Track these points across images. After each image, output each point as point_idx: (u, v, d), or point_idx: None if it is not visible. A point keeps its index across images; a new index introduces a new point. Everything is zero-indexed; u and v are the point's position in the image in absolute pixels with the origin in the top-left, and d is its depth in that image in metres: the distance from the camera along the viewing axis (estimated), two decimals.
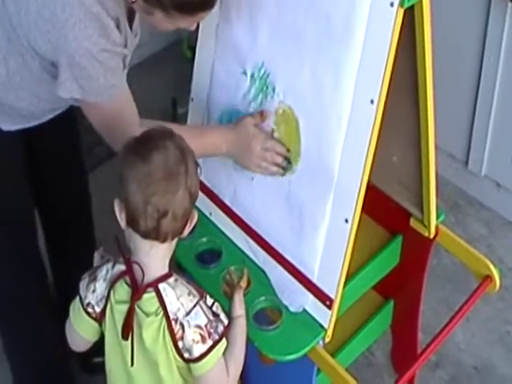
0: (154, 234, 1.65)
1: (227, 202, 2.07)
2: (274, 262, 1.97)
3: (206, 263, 2.02)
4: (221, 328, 1.72)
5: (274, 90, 1.90)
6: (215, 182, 2.09)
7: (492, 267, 2.09)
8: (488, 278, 2.11)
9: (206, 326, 1.69)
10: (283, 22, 1.85)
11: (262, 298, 1.94)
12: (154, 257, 1.69)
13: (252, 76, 1.95)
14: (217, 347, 1.71)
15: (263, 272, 2.00)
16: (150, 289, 1.68)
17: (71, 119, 2.21)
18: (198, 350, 1.69)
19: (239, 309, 1.86)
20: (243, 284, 1.92)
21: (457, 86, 2.98)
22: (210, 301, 1.74)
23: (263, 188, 1.97)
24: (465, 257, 2.14)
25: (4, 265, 2.20)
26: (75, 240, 2.46)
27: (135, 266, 1.69)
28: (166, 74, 3.66)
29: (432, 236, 2.12)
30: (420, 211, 2.08)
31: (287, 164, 1.91)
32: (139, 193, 1.61)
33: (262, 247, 1.99)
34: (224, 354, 1.74)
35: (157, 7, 1.72)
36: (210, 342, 1.70)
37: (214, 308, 1.74)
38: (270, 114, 1.92)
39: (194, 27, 1.85)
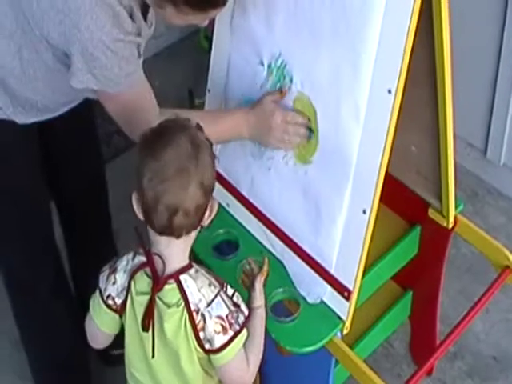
0: (168, 231, 1.65)
1: (244, 193, 2.07)
2: (291, 253, 1.96)
3: (223, 254, 2.02)
4: (241, 318, 1.72)
5: (291, 79, 1.89)
6: (232, 173, 2.09)
7: (511, 257, 2.08)
8: (507, 268, 2.09)
9: (227, 316, 1.69)
10: (300, 11, 1.84)
11: (280, 290, 1.94)
12: (174, 250, 1.69)
13: (269, 66, 1.94)
14: (238, 338, 1.70)
15: (281, 263, 2.00)
16: (170, 280, 1.68)
17: (86, 108, 2.19)
18: (219, 340, 1.69)
19: (260, 299, 1.84)
20: (264, 273, 1.90)
21: (475, 74, 2.96)
22: (230, 291, 1.74)
23: (280, 179, 1.96)
24: (484, 247, 2.13)
25: (19, 258, 2.20)
26: (93, 230, 2.45)
27: (156, 258, 1.69)
28: (182, 65, 3.65)
29: (450, 226, 2.11)
30: (438, 201, 2.07)
31: (310, 133, 1.89)
32: (150, 189, 1.61)
33: (280, 238, 1.99)
34: (244, 344, 1.74)
35: (168, 2, 1.72)
36: (231, 333, 1.69)
37: (235, 298, 1.73)
38: (288, 104, 1.91)
39: (205, 24, 1.83)
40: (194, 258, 2.03)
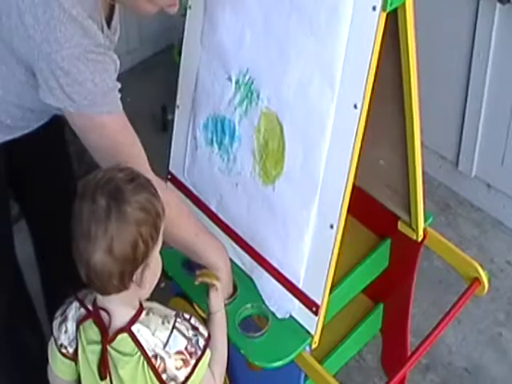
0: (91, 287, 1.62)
1: (213, 208, 2.07)
2: (260, 269, 1.96)
3: (192, 270, 2.01)
4: (202, 341, 1.68)
5: (258, 96, 1.89)
6: (201, 189, 2.08)
7: (480, 270, 2.09)
8: (477, 280, 2.10)
9: (186, 348, 1.66)
10: (268, 27, 1.84)
11: (249, 305, 1.94)
12: (120, 303, 1.65)
13: (237, 82, 1.94)
14: (200, 363, 1.67)
15: (250, 278, 1.99)
16: (122, 332, 1.64)
17: (57, 124, 2.14)
18: (183, 374, 1.66)
19: (215, 305, 1.83)
20: (217, 283, 1.86)
21: (446, 86, 2.98)
22: (187, 315, 1.71)
23: (248, 194, 1.96)
24: (453, 259, 2.14)
25: None
26: (63, 248, 2.42)
27: (102, 312, 1.66)
28: (156, 80, 3.65)
29: (420, 239, 2.11)
30: (408, 215, 2.08)
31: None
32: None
33: (249, 254, 1.99)
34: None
35: None
36: (192, 362, 1.66)
37: (192, 321, 1.70)
38: (254, 121, 1.91)
39: (175, 7, 1.78)
40: (164, 275, 2.03)
